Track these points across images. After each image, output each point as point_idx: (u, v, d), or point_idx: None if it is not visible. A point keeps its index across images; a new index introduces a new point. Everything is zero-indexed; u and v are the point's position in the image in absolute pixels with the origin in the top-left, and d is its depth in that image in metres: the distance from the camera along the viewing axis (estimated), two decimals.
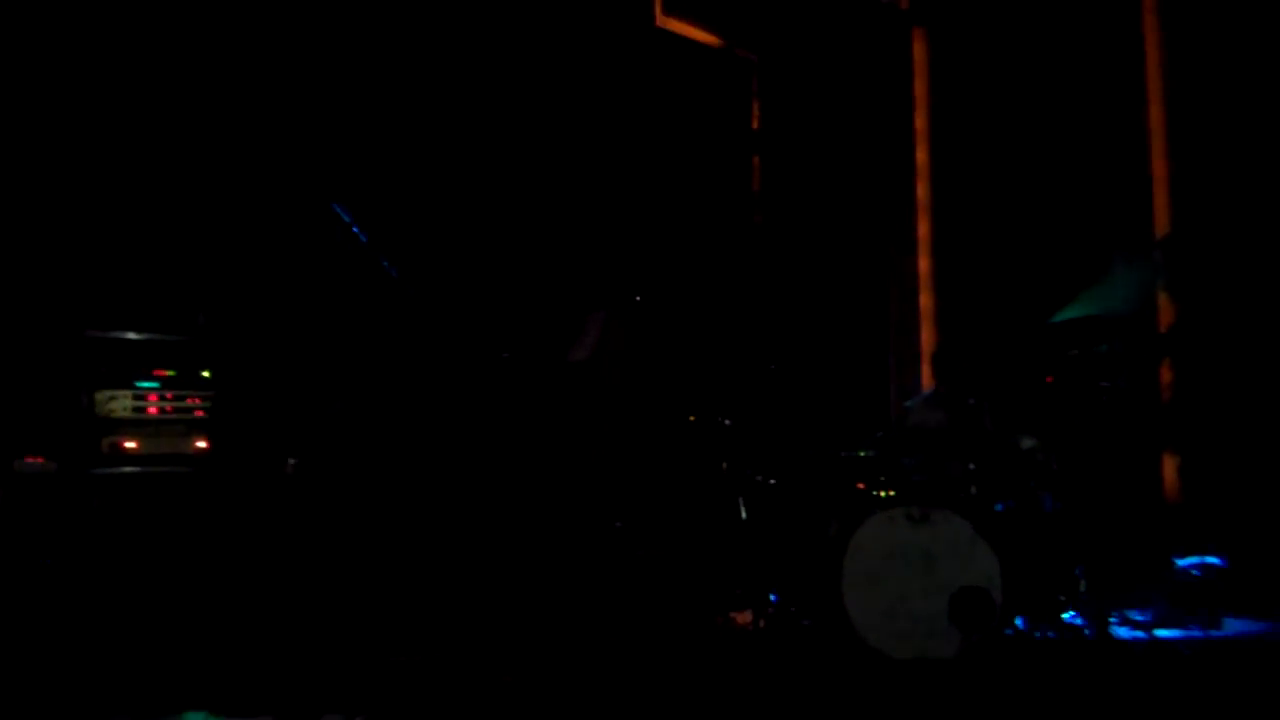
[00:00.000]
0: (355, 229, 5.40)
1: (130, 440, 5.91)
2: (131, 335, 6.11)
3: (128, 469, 5.78)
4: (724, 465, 5.94)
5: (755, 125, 9.04)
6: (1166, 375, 6.50)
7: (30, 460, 5.61)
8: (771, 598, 5.69)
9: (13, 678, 4.56)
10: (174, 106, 6.70)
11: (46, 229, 6.51)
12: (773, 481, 5.90)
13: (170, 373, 6.10)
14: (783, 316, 8.15)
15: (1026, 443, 5.60)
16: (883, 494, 5.51)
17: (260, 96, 6.88)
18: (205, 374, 6.14)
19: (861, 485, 5.68)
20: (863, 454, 5.73)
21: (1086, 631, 5.27)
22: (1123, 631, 5.39)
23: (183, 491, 5.74)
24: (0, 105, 6.19)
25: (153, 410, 5.98)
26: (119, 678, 4.52)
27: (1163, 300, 6.54)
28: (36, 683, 4.50)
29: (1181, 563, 5.73)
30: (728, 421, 5.96)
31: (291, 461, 5.90)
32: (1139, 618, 5.52)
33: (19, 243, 6.49)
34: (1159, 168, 6.61)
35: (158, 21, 6.56)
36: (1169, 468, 6.50)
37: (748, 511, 5.83)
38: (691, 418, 6.16)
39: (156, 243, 6.82)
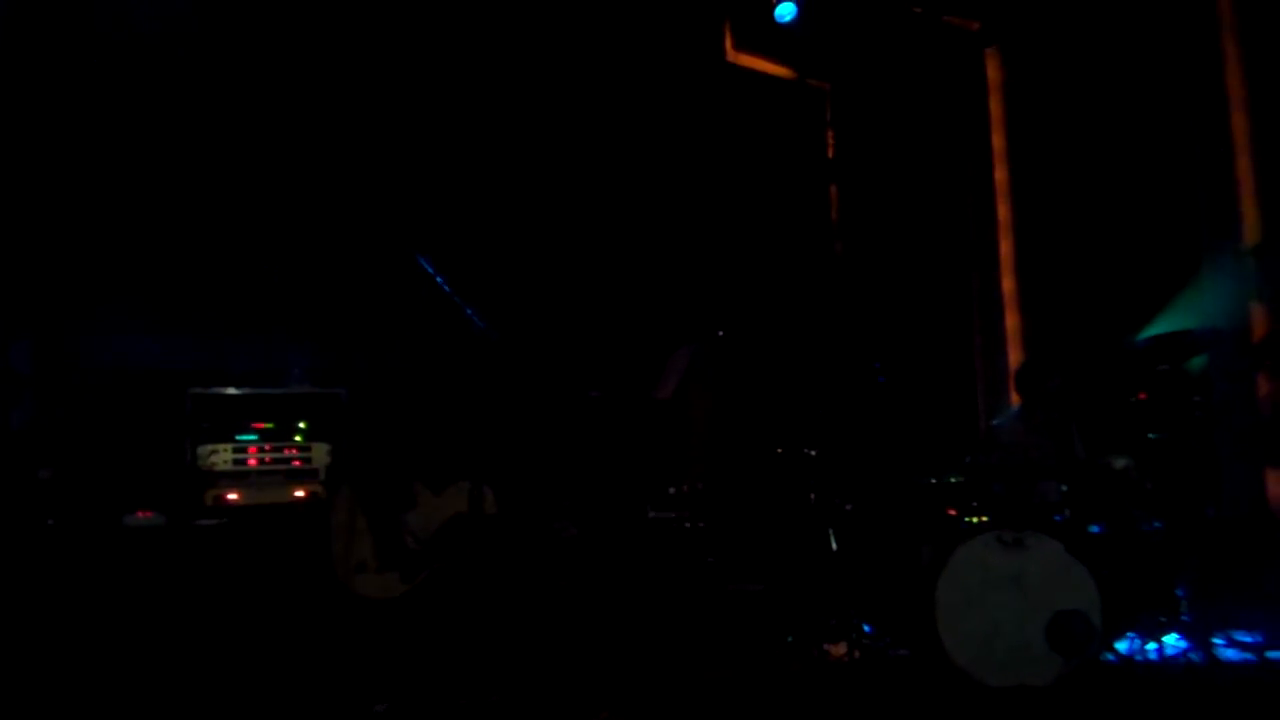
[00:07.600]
0: (439, 279, 5.52)
1: (232, 492, 6.11)
2: (231, 391, 6.33)
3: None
4: (812, 496, 5.94)
5: (831, 154, 9.05)
6: (1265, 387, 6.33)
7: (140, 514, 5.83)
8: (865, 628, 5.66)
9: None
10: (272, 172, 7.00)
11: (148, 292, 6.80)
12: (862, 510, 5.88)
13: (268, 425, 6.30)
14: (866, 344, 8.11)
15: (1119, 462, 5.50)
16: (974, 519, 5.46)
17: (345, 153, 7.12)
18: (301, 425, 6.34)
19: (952, 511, 5.63)
20: (952, 479, 5.68)
21: (1191, 655, 5.14)
22: (1230, 654, 5.23)
23: (284, 540, 5.88)
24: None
25: (252, 462, 6.18)
26: None
27: (1256, 310, 6.38)
28: None
29: None
30: (814, 452, 5.96)
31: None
32: (1247, 639, 5.35)
33: (124, 305, 6.80)
34: (1245, 175, 6.47)
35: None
36: (1273, 482, 6.31)
37: (838, 542, 5.81)
38: (778, 449, 6.17)
39: (253, 300, 7.07)
